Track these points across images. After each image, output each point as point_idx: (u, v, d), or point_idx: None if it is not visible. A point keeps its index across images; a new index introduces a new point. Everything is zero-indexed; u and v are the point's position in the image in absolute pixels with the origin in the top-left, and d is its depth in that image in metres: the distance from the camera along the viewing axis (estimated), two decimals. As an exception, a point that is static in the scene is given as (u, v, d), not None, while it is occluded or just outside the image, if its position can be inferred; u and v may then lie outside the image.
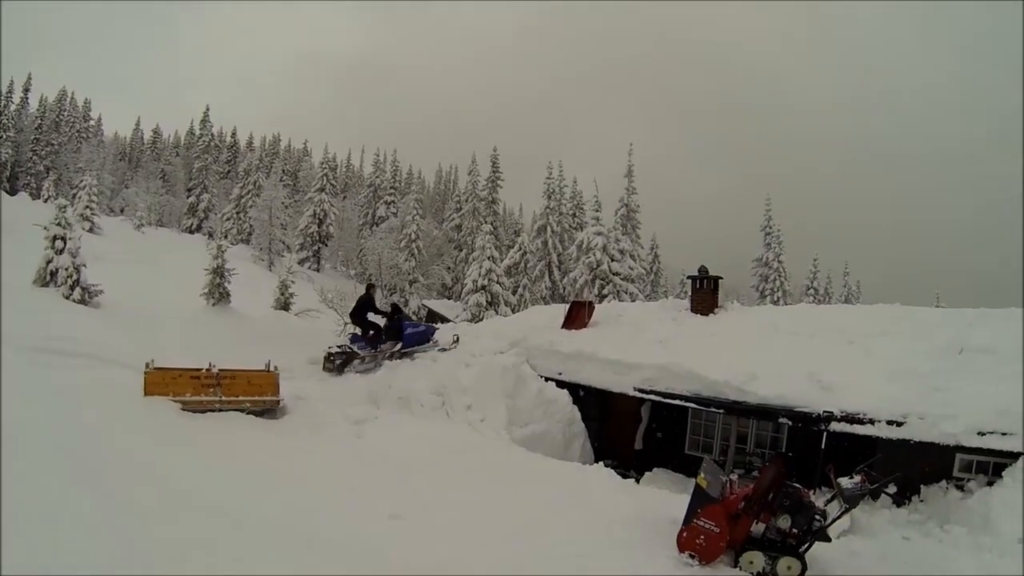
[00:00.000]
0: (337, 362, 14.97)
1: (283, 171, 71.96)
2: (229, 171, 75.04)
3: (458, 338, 15.41)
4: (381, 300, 15.63)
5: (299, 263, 50.86)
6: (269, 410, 10.82)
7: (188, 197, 65.88)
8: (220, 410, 10.30)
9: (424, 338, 15.43)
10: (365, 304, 15.79)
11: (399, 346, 15.07)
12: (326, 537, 6.24)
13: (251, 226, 54.77)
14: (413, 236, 46.79)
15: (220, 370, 10.67)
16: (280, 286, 29.20)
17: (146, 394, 9.96)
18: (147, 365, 10.35)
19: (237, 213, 58.91)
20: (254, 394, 10.73)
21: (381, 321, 15.74)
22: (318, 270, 53.94)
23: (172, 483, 6.88)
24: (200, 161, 65.91)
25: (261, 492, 7.21)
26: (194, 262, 26.43)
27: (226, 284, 22.40)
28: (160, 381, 10.17)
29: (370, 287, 16.65)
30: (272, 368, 11.18)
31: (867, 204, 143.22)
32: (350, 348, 15.27)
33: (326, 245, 57.84)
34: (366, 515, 7.01)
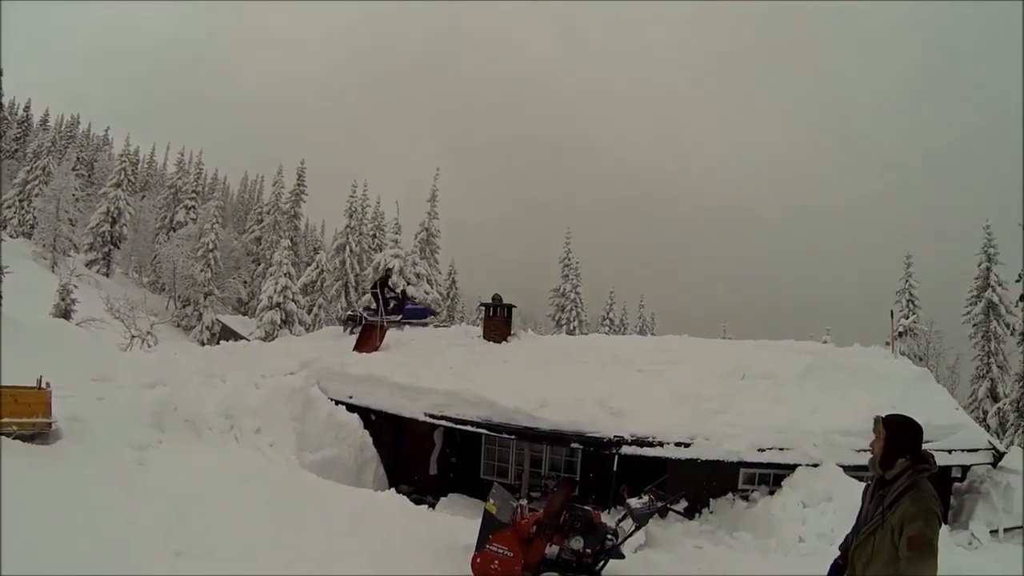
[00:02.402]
0: (350, 324, 19.97)
1: (78, 158, 66.51)
2: (16, 150, 67.05)
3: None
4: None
5: (86, 265, 47.41)
6: (40, 434, 9.70)
7: (-37, 178, 58.73)
8: (-20, 434, 9.15)
9: (422, 315, 19.99)
10: (382, 282, 20.00)
11: (400, 316, 19.53)
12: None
13: (35, 218, 50.35)
14: (211, 246, 45.08)
15: (-21, 387, 9.45)
16: (61, 290, 27.33)
17: None
18: None
19: (20, 201, 53.46)
20: (21, 415, 9.51)
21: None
22: (107, 275, 50.18)
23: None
24: (-18, 135, 57.84)
25: (18, 531, 6.58)
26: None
27: (-5, 284, 20.72)
28: (-95, 402, 8.88)
29: (389, 271, 22.42)
30: (44, 385, 10.07)
31: (666, 243, 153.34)
32: (360, 314, 19.81)
33: (118, 247, 54.00)
34: (145, 552, 6.76)
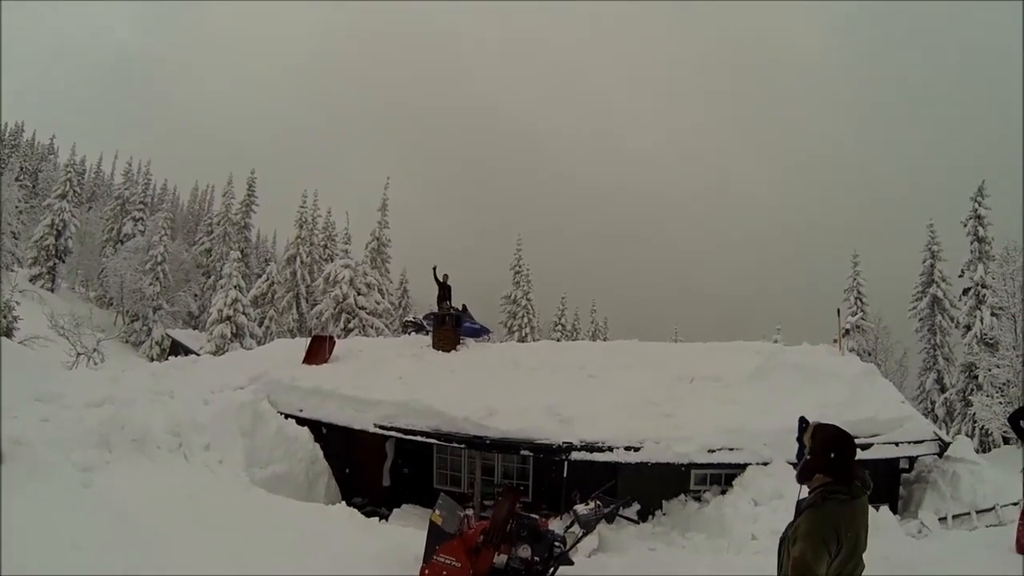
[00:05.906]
0: (410, 328, 21.31)
1: (21, 168, 64.48)
2: (-43, 160, 65.67)
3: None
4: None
5: (30, 280, 46.18)
6: (-22, 458, 9.73)
7: (-101, 190, 56.52)
8: (-85, 459, 8.91)
9: (477, 333, 19.18)
10: (446, 292, 19.41)
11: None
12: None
13: (-25, 231, 48.92)
14: (160, 258, 44.28)
15: (-86, 411, 9.17)
16: (3, 307, 26.65)
17: None
18: None
19: (-40, 213, 51.89)
20: (-41, 439, 9.63)
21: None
22: (52, 290, 48.87)
23: None
24: (-78, 143, 55.67)
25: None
26: None
27: (-67, 306, 20.18)
28: None
29: (446, 276, 20.34)
30: (-17, 408, 10.04)
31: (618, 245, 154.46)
32: (421, 321, 20.48)
33: (63, 261, 52.41)
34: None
